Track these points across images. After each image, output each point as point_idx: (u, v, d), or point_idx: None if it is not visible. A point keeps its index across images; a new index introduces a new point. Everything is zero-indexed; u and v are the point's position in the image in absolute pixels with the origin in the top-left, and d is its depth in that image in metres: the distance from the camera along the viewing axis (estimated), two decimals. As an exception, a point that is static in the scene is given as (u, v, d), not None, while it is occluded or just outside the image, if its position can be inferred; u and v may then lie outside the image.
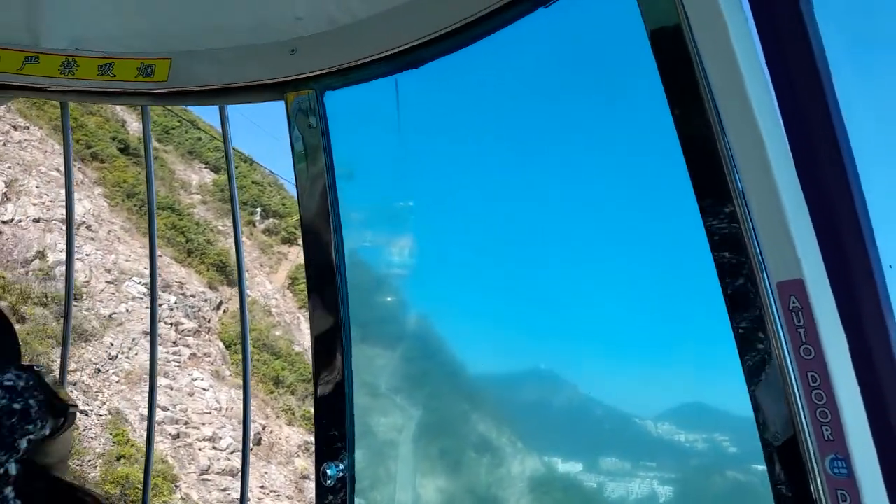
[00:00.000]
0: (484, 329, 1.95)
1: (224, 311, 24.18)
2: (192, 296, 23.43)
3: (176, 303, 22.23)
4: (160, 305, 21.55)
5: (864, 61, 1.38)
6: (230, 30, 1.72)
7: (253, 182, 31.00)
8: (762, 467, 1.52)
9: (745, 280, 1.28)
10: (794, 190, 1.29)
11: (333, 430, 1.76)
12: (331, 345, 1.77)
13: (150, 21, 1.73)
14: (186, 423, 19.23)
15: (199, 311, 23.20)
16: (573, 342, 1.80)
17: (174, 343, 21.40)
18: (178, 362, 20.91)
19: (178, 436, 18.52)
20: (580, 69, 1.54)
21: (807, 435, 1.22)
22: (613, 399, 1.80)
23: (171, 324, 21.49)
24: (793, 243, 1.25)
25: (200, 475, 18.26)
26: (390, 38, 1.63)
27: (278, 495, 20.22)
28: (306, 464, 21.51)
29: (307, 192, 1.74)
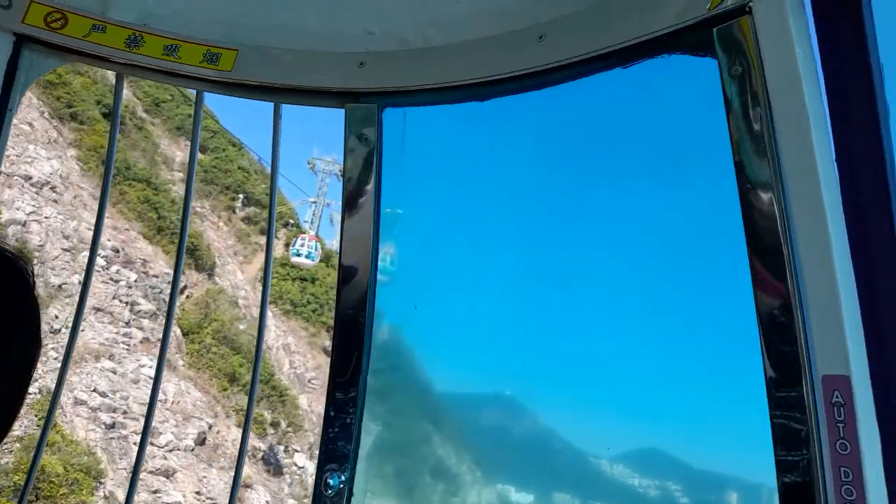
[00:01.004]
0: (453, 347, 1.98)
1: (187, 297, 22.90)
2: (156, 276, 21.96)
3: (136, 281, 20.85)
4: (117, 282, 20.27)
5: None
6: (301, 32, 1.74)
7: (239, 167, 30.95)
8: None
9: (790, 367, 1.31)
10: (850, 287, 1.33)
11: (341, 440, 1.75)
12: (350, 354, 1.78)
13: (223, 9, 1.75)
14: (125, 412, 17.52)
15: (160, 292, 21.69)
16: (541, 370, 1.82)
17: (127, 324, 19.86)
18: (128, 345, 19.25)
19: (112, 426, 16.81)
20: (644, 136, 1.59)
21: (834, 532, 1.24)
22: (572, 433, 1.81)
23: (127, 303, 20.10)
24: (845, 339, 1.28)
25: (130, 472, 16.28)
26: (460, 69, 1.67)
27: (214, 501, 18.41)
28: (250, 472, 20.52)
29: (353, 207, 1.76)
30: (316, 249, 31.36)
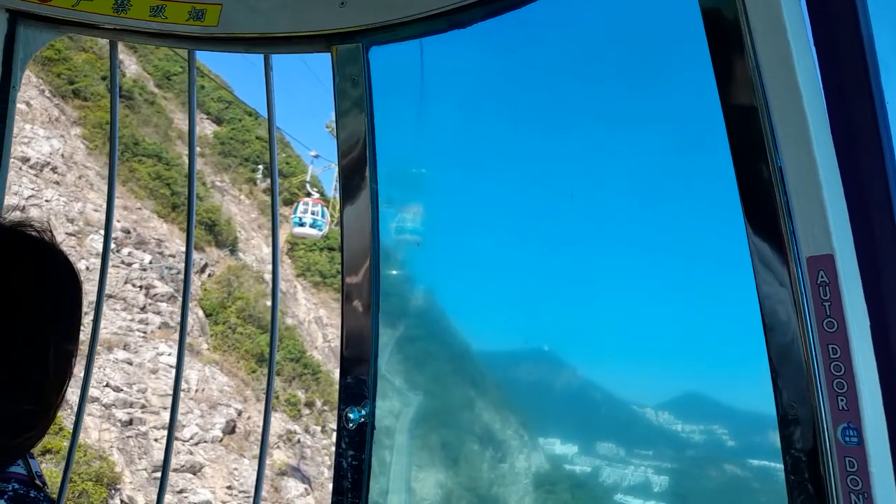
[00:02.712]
0: (490, 305, 2.10)
1: (209, 276, 22.56)
2: (172, 256, 21.42)
3: (151, 262, 20.15)
4: (129, 265, 19.29)
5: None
6: (281, -22, 1.87)
7: (257, 137, 30.55)
8: (758, 462, 1.66)
9: (776, 252, 1.43)
10: (831, 170, 1.43)
11: (359, 375, 1.94)
12: (360, 293, 1.95)
13: (203, -35, 1.89)
14: (143, 406, 16.63)
15: (178, 273, 21.01)
16: (577, 324, 1.94)
17: (142, 309, 19.15)
18: (144, 332, 18.40)
19: (129, 422, 16.06)
20: (627, 46, 1.67)
21: (822, 403, 1.37)
22: (613, 384, 1.93)
23: (141, 287, 19.52)
24: (826, 221, 1.39)
25: (153, 472, 15.59)
26: (440, -4, 1.77)
27: (248, 496, 17.56)
28: (286, 457, 19.68)
29: (348, 145, 1.91)
30: (323, 216, 27.72)
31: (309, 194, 29.88)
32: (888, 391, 1.38)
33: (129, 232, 20.23)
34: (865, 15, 1.46)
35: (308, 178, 31.56)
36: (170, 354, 18.49)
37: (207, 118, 30.52)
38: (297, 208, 28.52)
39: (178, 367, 2.35)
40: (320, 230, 27.94)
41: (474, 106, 2.11)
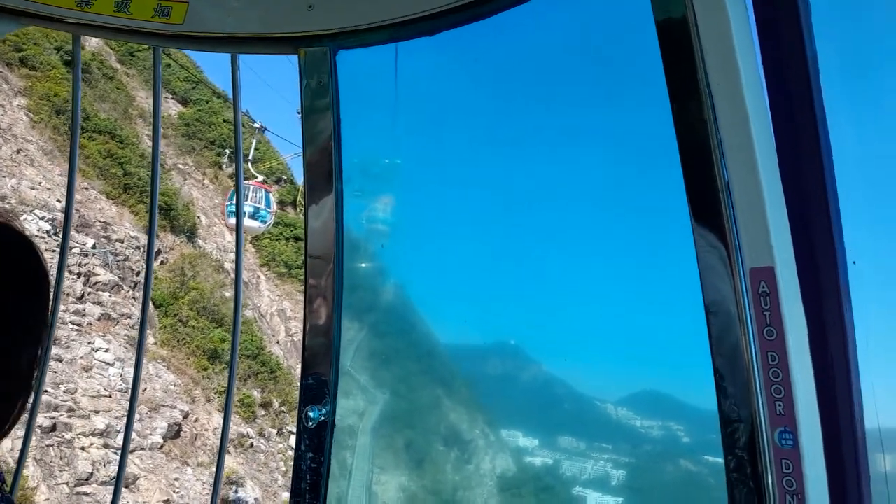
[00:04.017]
0: (458, 301, 2.24)
1: (161, 263, 21.45)
2: (120, 240, 20.29)
3: (93, 247, 18.90)
4: (70, 249, 17.19)
5: (853, 74, 1.68)
6: (249, -22, 1.95)
7: (224, 120, 29.72)
8: (713, 459, 1.83)
9: (721, 263, 1.58)
10: (775, 186, 1.59)
11: (320, 374, 2.05)
12: (324, 290, 2.06)
13: (169, -39, 1.96)
14: (71, 410, 15.14)
15: (125, 260, 19.94)
16: (543, 319, 2.09)
17: (79, 299, 17.88)
18: (80, 325, 17.04)
19: (52, 428, 14.53)
20: (586, 57, 1.81)
21: (761, 407, 1.53)
22: (575, 380, 2.09)
23: (80, 274, 18.23)
24: (768, 234, 1.55)
25: (75, 486, 14.06)
26: (408, 4, 1.88)
27: None
28: (236, 464, 18.51)
29: (314, 144, 2.00)
30: (268, 205, 24.11)
31: (254, 176, 26.39)
32: (823, 398, 1.55)
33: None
34: (810, 36, 1.61)
35: (250, 156, 27.48)
36: (107, 350, 17.29)
37: (173, 98, 29.76)
38: (232, 194, 24.34)
39: (136, 372, 2.41)
40: (264, 222, 24.24)
41: (440, 108, 2.23)
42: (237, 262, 2.64)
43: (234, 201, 23.76)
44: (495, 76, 2.05)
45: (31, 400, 1.03)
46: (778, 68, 1.62)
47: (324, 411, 2.09)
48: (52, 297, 1.09)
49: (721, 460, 1.61)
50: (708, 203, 1.59)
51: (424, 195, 2.32)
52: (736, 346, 1.56)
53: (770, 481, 1.51)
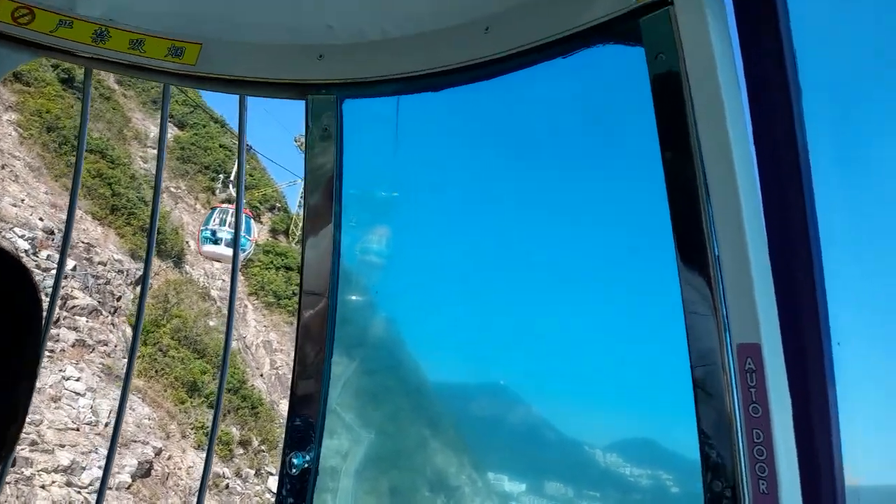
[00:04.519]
0: (447, 337, 2.29)
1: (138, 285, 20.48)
2: (102, 263, 19.95)
3: (73, 269, 18.58)
4: (46, 270, 17.11)
5: (844, 144, 1.77)
6: (262, 26, 2.04)
7: (220, 145, 30.06)
8: None
9: (710, 337, 1.64)
10: (763, 263, 1.66)
11: (307, 419, 2.08)
12: (317, 331, 2.11)
13: (187, 3, 2.07)
14: (34, 444, 14.47)
15: (106, 283, 19.60)
16: (535, 362, 2.14)
17: (54, 323, 16.13)
18: (52, 351, 16.43)
19: (11, 463, 11.14)
20: (585, 121, 1.92)
21: (744, 486, 1.57)
22: (566, 424, 2.13)
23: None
24: (756, 311, 1.61)
25: None
26: (414, 60, 1.98)
27: None
28: None
29: (315, 192, 2.09)
30: (249, 232, 22.79)
31: (226, 200, 24.80)
32: (806, 477, 1.59)
33: (52, 233, 18.66)
34: (799, 105, 1.70)
35: (231, 178, 25.43)
36: (78, 379, 16.51)
37: (170, 121, 30.10)
38: (209, 218, 23.19)
39: (121, 405, 2.44)
40: (242, 251, 22.42)
41: (438, 160, 2.33)
42: (231, 297, 2.69)
43: (209, 226, 23.01)
44: (494, 134, 2.15)
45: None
46: (767, 134, 1.71)
47: (308, 458, 2.12)
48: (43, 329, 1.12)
49: None
50: (699, 275, 1.66)
51: (418, 235, 2.40)
52: (722, 420, 1.61)
53: (750, 561, 1.54)
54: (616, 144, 1.87)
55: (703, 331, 1.65)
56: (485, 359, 2.21)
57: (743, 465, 1.58)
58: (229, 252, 22.20)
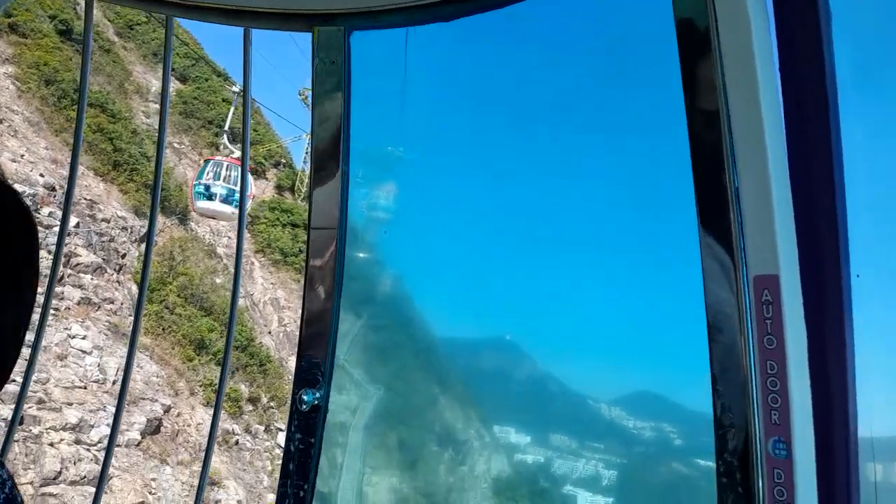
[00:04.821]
0: (454, 291, 2.32)
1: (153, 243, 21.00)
2: (106, 220, 19.99)
3: (77, 226, 18.54)
4: (49, 227, 16.79)
5: (869, 83, 1.74)
6: (267, -47, 2.02)
7: (223, 100, 29.82)
8: (704, 462, 1.91)
9: (725, 269, 1.65)
10: (784, 193, 1.65)
11: (315, 357, 2.12)
12: (324, 274, 2.13)
13: (187, -69, 2.03)
14: (41, 402, 14.50)
15: (110, 241, 19.66)
16: (541, 315, 2.17)
17: (59, 281, 16.60)
18: (57, 309, 16.41)
19: (19, 421, 12.28)
20: (602, 52, 1.88)
21: (756, 417, 1.59)
22: (570, 378, 2.17)
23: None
24: (775, 242, 1.61)
25: (40, 486, 13.46)
26: (426, -13, 1.95)
27: None
28: (219, 463, 17.87)
29: (323, 126, 2.08)
30: (247, 188, 19.02)
31: (229, 151, 23.04)
32: (819, 409, 1.61)
33: (53, 189, 18.48)
34: (829, 46, 1.68)
35: (226, 129, 23.75)
36: (84, 337, 16.55)
37: (171, 74, 29.75)
38: (202, 171, 21.82)
39: (129, 362, 2.49)
40: (237, 208, 20.82)
41: (452, 97, 2.31)
42: (237, 255, 2.71)
43: (202, 180, 21.65)
44: (510, 64, 2.12)
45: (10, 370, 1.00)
46: (794, 74, 1.68)
47: (318, 395, 2.16)
48: (40, 279, 1.10)
49: (712, 464, 1.68)
50: (716, 208, 1.66)
51: (428, 186, 2.40)
52: (735, 354, 1.63)
53: (761, 490, 1.58)
54: (633, 75, 1.85)
55: (719, 264, 1.66)
56: (492, 314, 2.24)
57: (755, 396, 1.61)
58: (225, 209, 21.13)
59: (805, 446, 1.59)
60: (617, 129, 1.90)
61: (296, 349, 2.25)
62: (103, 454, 14.28)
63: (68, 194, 2.53)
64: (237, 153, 22.89)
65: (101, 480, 2.74)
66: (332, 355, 2.23)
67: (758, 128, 1.62)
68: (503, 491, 2.33)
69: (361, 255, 2.37)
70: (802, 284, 1.62)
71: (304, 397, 2.13)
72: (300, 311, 2.23)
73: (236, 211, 19.98)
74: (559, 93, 2.05)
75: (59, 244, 2.52)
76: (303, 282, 2.26)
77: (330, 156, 2.16)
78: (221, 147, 28.11)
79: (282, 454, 2.38)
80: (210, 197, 21.42)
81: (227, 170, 21.61)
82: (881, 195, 1.75)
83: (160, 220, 22.29)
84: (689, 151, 1.69)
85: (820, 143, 1.67)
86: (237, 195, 20.72)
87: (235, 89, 26.56)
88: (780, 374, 1.60)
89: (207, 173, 21.65)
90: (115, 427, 2.86)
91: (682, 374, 1.97)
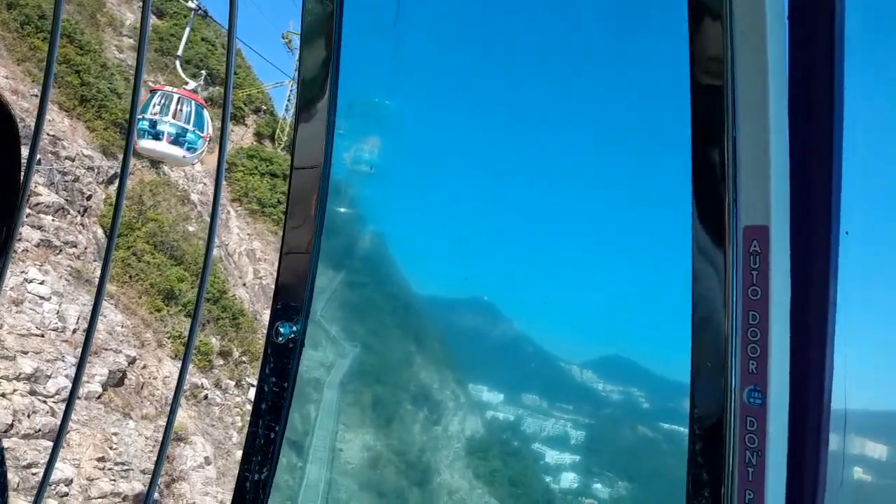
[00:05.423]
0: (435, 249, 2.37)
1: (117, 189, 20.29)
2: (70, 159, 19.64)
3: (38, 164, 16.81)
4: None
5: (878, 43, 1.79)
6: None
7: (203, 39, 29.38)
8: (668, 426, 2.01)
9: (716, 217, 1.70)
10: (782, 145, 1.70)
11: (292, 291, 2.17)
12: (305, 207, 2.17)
13: None
14: None
15: (74, 180, 19.33)
16: (518, 278, 2.24)
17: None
18: (13, 251, 15.01)
19: None
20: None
21: (734, 364, 1.67)
22: (544, 340, 2.25)
23: None
24: (769, 193, 1.67)
25: None
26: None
27: (126, 469, 15.46)
28: (185, 417, 17.77)
29: (310, 69, 2.08)
30: (201, 126, 18.23)
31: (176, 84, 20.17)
32: (796, 362, 1.69)
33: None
34: (841, 3, 1.71)
35: (180, 51, 20.99)
36: (42, 283, 16.01)
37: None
38: (147, 104, 18.59)
39: (93, 320, 2.51)
40: (192, 150, 18.32)
41: (449, 43, 2.31)
42: (214, 205, 2.72)
43: (146, 115, 18.73)
44: (512, 9, 2.12)
45: None
46: (801, 18, 1.72)
47: (295, 329, 2.21)
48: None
49: (678, 428, 1.77)
50: (711, 155, 1.71)
51: (416, 140, 2.42)
52: (718, 302, 1.70)
53: (732, 437, 1.66)
54: (629, 26, 1.87)
55: (709, 211, 1.71)
56: (470, 275, 2.30)
57: (735, 345, 1.68)
58: (174, 151, 18.58)
59: (780, 396, 1.68)
60: (618, 73, 1.93)
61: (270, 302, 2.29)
62: (62, 407, 14.34)
63: (37, 129, 2.51)
64: (191, 84, 20.54)
65: (58, 436, 2.77)
66: (310, 291, 2.28)
67: (761, 74, 1.66)
68: (475, 451, 2.42)
69: (342, 209, 2.40)
70: (791, 237, 1.69)
71: (282, 329, 2.18)
72: (276, 258, 2.27)
73: (188, 155, 18.59)
74: (561, 38, 2.06)
75: (25, 184, 2.50)
76: (283, 222, 2.29)
77: (316, 101, 2.17)
78: (199, 89, 27.33)
79: (255, 390, 2.43)
80: (157, 136, 18.59)
81: (177, 104, 19.04)
82: (880, 155, 1.81)
83: (132, 160, 21.82)
84: (688, 96, 1.73)
85: (823, 97, 1.72)
86: (190, 136, 18.40)
87: (191, 4, 23.69)
88: (762, 326, 1.67)
89: (154, 106, 18.81)
90: (76, 380, 2.89)
91: (651, 340, 2.06)
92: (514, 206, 2.25)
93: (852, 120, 1.73)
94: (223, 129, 2.79)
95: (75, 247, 18.57)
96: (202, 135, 18.36)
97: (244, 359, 22.41)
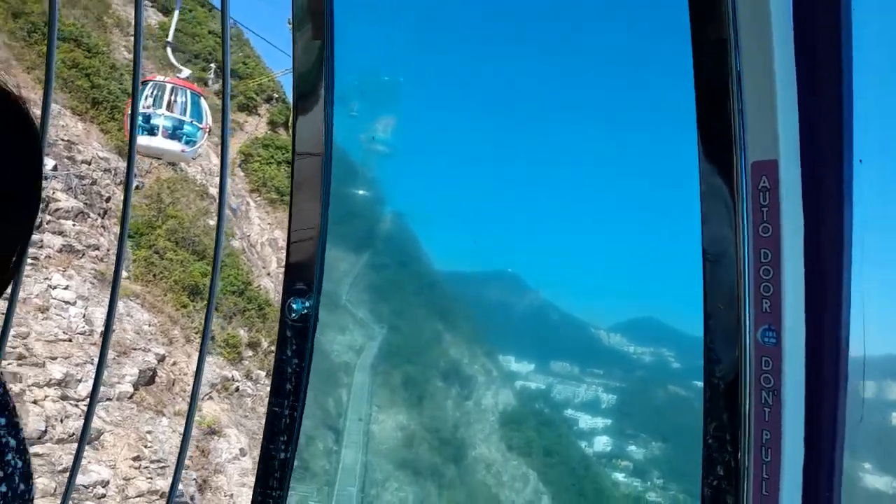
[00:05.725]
0: (456, 225, 2.39)
1: (136, 188, 20.01)
2: (86, 162, 19.84)
3: (54, 169, 18.18)
4: None
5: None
6: None
7: (210, 32, 29.50)
8: (700, 384, 2.01)
9: (723, 155, 1.69)
10: (789, 77, 1.67)
11: (303, 269, 2.21)
12: (311, 184, 2.19)
13: None
14: (21, 357, 14.23)
15: (92, 184, 19.49)
16: (541, 246, 2.25)
17: (37, 228, 14.60)
18: (36, 258, 16.08)
19: None
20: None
21: (747, 304, 1.66)
22: (571, 306, 2.26)
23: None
24: (776, 126, 1.65)
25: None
26: None
27: (163, 467, 15.49)
28: (219, 410, 18.30)
29: (305, 51, 2.08)
30: (200, 117, 16.94)
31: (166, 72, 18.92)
32: (811, 299, 1.68)
33: None
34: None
35: (170, 37, 19.07)
36: (66, 288, 16.05)
37: (152, 6, 29.40)
38: (140, 96, 16.48)
39: (109, 319, 2.55)
40: (191, 144, 17.23)
41: (447, 22, 2.31)
42: (220, 196, 2.75)
43: (142, 108, 17.11)
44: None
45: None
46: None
47: (308, 304, 2.25)
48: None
49: None
50: (717, 90, 1.68)
51: (429, 119, 2.43)
52: (728, 242, 1.69)
53: (748, 377, 1.66)
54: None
55: (716, 148, 1.70)
56: (493, 248, 2.31)
57: (748, 284, 1.67)
58: (172, 146, 17.32)
59: (795, 335, 1.67)
60: (615, 33, 1.91)
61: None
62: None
63: (42, 132, 2.55)
64: (185, 72, 19.15)
65: (81, 438, 2.84)
66: (320, 267, 2.31)
67: (765, 12, 1.63)
68: (509, 423, 2.45)
69: (361, 192, 2.42)
70: (802, 170, 1.66)
71: (294, 306, 2.21)
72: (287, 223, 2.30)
73: (187, 149, 17.32)
74: (554, 20, 2.05)
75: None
76: (290, 201, 2.31)
77: (313, 84, 2.18)
78: (210, 83, 27.32)
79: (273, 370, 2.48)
80: (151, 131, 16.89)
81: (171, 94, 17.47)
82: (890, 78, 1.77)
83: (147, 160, 22.09)
84: (689, 41, 1.71)
85: (828, 27, 1.68)
86: (188, 128, 17.09)
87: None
88: (774, 263, 1.66)
89: (146, 98, 17.22)
90: (97, 381, 2.96)
91: (677, 301, 2.05)
92: (530, 177, 2.25)
93: (861, 42, 1.69)
94: (224, 122, 2.80)
95: (98, 249, 18.81)
96: (201, 126, 17.32)
97: (273, 348, 22.62)
